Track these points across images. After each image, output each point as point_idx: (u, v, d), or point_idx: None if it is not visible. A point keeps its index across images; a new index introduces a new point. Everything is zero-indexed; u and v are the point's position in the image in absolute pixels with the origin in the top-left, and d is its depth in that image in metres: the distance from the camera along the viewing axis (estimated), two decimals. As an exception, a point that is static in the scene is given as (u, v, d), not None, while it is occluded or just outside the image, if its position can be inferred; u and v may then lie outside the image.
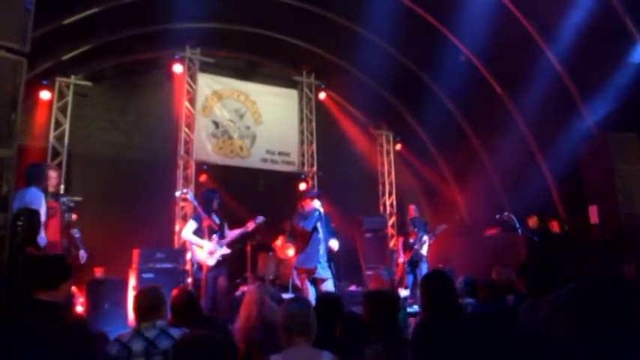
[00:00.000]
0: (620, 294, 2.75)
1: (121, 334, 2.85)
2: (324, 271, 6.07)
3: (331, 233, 6.27)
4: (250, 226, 6.75)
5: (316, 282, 6.04)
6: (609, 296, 2.69)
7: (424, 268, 8.26)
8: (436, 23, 9.24)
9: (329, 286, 6.05)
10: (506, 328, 3.31)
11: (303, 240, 6.13)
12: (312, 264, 6.01)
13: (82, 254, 5.49)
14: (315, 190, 7.90)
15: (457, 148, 11.13)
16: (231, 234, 6.68)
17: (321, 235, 6.04)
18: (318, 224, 6.05)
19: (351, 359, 2.87)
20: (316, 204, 6.15)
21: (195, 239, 6.37)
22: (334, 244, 6.18)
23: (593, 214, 7.53)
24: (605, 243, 7.00)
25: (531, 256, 7.35)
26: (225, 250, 6.52)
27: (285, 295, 6.55)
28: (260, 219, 6.77)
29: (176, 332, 2.85)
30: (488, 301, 4.11)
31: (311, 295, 5.88)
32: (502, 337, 3.17)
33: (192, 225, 6.47)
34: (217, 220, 6.62)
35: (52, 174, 5.78)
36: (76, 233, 5.51)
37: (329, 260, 6.12)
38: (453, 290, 3.43)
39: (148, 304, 2.91)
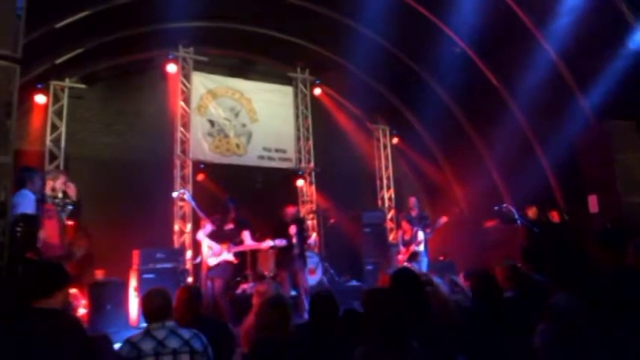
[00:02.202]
0: None
1: (131, 335, 2.89)
2: (295, 264, 7.37)
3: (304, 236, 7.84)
4: (266, 245, 7.02)
5: (294, 274, 7.39)
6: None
7: (424, 264, 8.23)
8: (429, 15, 9.20)
9: (301, 275, 7.43)
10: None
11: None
12: (286, 263, 7.42)
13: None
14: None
15: (454, 140, 11.12)
16: (244, 246, 6.82)
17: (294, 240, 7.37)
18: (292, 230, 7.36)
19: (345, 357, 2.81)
20: (290, 210, 7.60)
21: (205, 240, 6.87)
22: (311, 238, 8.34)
23: (593, 204, 7.52)
24: (606, 232, 6.97)
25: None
26: (230, 257, 6.62)
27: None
28: (279, 243, 7.03)
29: (185, 333, 2.89)
30: (481, 297, 3.80)
31: (288, 287, 7.21)
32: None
33: (206, 228, 6.97)
34: (231, 226, 6.86)
35: (60, 179, 5.85)
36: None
37: (303, 255, 7.57)
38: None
39: (157, 306, 2.95)
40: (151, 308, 2.96)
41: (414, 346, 2.59)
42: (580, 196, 7.90)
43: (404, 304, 2.86)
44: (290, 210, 7.65)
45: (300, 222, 7.85)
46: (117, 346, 3.37)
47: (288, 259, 7.40)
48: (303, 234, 7.71)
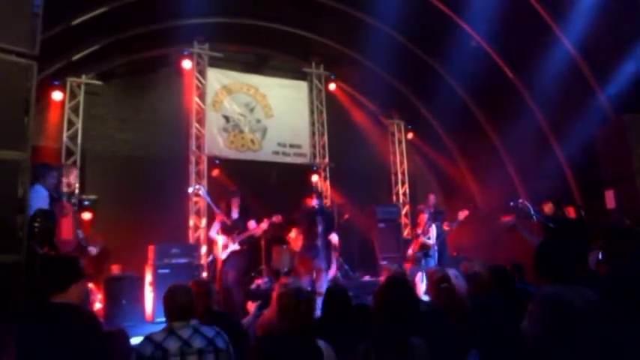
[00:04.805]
0: None
1: (152, 334, 2.79)
2: (319, 262, 6.81)
3: (331, 227, 7.09)
4: (264, 225, 7.12)
5: (315, 271, 6.85)
6: None
7: (434, 260, 8.15)
8: (445, 9, 9.12)
9: (322, 276, 6.81)
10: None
11: (305, 233, 7.08)
12: (311, 254, 6.82)
13: (92, 249, 5.68)
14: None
15: (470, 135, 11.03)
16: (247, 232, 6.93)
17: (319, 229, 6.85)
18: (317, 219, 6.87)
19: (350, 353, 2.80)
20: (314, 201, 7.06)
21: (216, 237, 7.10)
22: (334, 237, 7.03)
23: (610, 199, 7.41)
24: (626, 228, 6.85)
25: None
26: (235, 247, 6.78)
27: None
28: (276, 218, 7.13)
29: (209, 331, 2.82)
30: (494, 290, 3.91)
31: (306, 283, 6.58)
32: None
33: (216, 225, 7.15)
34: (236, 216, 7.07)
35: (73, 173, 5.96)
36: (80, 234, 5.65)
37: (327, 252, 6.96)
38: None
39: (182, 305, 2.84)
40: (176, 307, 2.84)
41: (417, 344, 2.55)
42: (597, 191, 7.79)
43: (414, 301, 2.83)
44: (308, 202, 7.22)
45: (322, 212, 7.22)
46: (133, 340, 3.42)
47: (312, 252, 6.88)
48: (327, 225, 7.05)
